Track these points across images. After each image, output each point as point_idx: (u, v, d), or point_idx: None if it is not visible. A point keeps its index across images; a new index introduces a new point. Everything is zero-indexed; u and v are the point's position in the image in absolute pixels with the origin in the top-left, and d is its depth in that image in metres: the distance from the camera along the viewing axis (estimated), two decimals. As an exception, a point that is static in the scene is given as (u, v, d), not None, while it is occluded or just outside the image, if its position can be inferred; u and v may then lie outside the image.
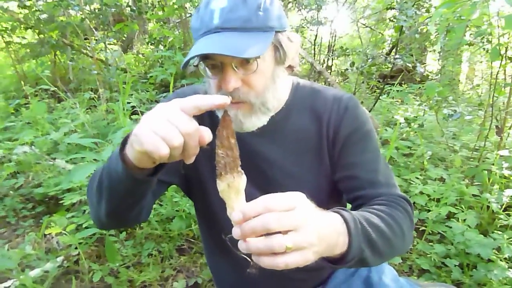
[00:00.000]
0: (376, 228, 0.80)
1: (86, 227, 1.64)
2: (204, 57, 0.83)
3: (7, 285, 1.37)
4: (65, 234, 1.56)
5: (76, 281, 1.44)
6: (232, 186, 0.64)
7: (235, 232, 0.62)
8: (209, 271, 1.59)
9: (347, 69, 4.14)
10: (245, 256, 0.66)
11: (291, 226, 0.61)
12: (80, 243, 1.58)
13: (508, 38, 2.62)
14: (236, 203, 0.65)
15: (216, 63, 0.83)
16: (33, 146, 2.15)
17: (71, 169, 1.50)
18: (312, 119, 1.01)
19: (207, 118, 0.99)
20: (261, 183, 0.99)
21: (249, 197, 0.99)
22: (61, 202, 1.81)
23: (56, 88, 2.80)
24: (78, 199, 1.78)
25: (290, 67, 0.97)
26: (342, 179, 1.02)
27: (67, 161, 1.99)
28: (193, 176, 1.04)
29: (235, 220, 0.61)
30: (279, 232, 0.61)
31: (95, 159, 1.36)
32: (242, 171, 0.66)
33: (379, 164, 1.05)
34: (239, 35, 0.80)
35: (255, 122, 0.91)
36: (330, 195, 1.05)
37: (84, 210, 1.76)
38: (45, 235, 1.73)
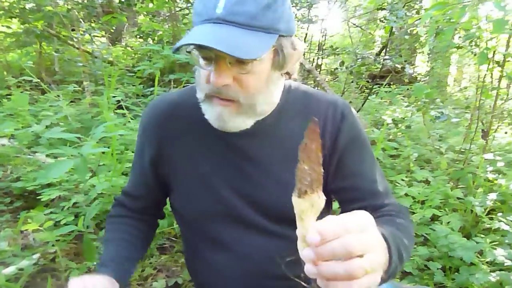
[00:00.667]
0: (402, 243, 0.79)
1: (65, 224, 1.60)
2: (199, 46, 0.79)
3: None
4: (42, 230, 1.52)
5: (52, 280, 1.40)
6: (315, 205, 0.58)
7: (307, 254, 0.57)
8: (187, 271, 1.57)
9: (336, 68, 4.13)
10: (299, 281, 0.61)
11: (369, 249, 0.59)
12: (57, 240, 1.54)
13: (496, 42, 2.64)
14: (311, 223, 0.58)
15: (210, 55, 0.79)
16: (11, 139, 2.09)
17: (48, 165, 1.45)
18: (305, 125, 0.99)
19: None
20: (245, 186, 0.97)
21: (230, 202, 0.97)
22: (39, 197, 1.76)
23: (39, 80, 2.73)
24: (57, 194, 1.73)
25: (288, 74, 0.94)
26: (341, 190, 1.00)
27: (47, 155, 1.94)
28: (168, 172, 1.03)
29: (311, 241, 0.56)
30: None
31: (73, 155, 1.32)
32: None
33: (377, 173, 1.05)
34: (241, 32, 0.76)
35: (240, 123, 0.88)
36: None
37: (63, 207, 1.71)
38: (21, 231, 1.68)
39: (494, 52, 2.49)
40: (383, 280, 0.71)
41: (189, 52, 0.87)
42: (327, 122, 0.97)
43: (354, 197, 1.01)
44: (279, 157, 0.98)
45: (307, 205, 0.57)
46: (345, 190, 1.00)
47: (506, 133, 4.13)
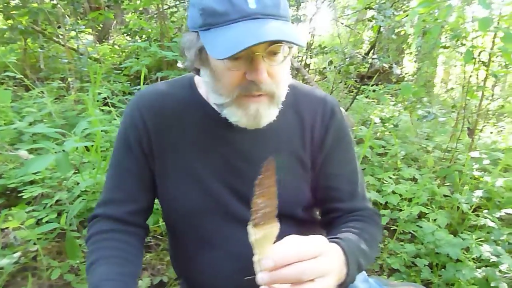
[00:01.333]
0: (364, 254, 0.84)
1: (47, 222, 1.56)
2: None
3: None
4: (24, 228, 1.48)
5: (33, 279, 1.37)
6: (268, 236, 0.64)
7: (263, 278, 0.62)
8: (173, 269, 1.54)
9: (325, 67, 4.14)
10: None
11: (320, 274, 0.65)
12: (39, 239, 1.50)
13: (482, 43, 2.66)
14: (267, 249, 0.64)
15: (245, 54, 0.76)
16: (-7, 136, 2.04)
17: (29, 160, 1.42)
18: (295, 120, 0.98)
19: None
20: (236, 182, 0.96)
21: (220, 197, 0.95)
22: (21, 195, 1.72)
23: (22, 76, 2.67)
24: (40, 192, 1.70)
25: None
26: (322, 188, 1.00)
27: (30, 152, 1.90)
28: (156, 167, 0.98)
29: (265, 267, 0.62)
30: None
31: (56, 151, 1.28)
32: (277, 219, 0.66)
33: (358, 175, 1.07)
34: (283, 23, 0.76)
35: (272, 115, 0.87)
36: (308, 201, 1.03)
37: (46, 204, 1.67)
38: (2, 229, 1.64)
39: (480, 52, 2.51)
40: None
41: (201, 53, 0.82)
42: (316, 119, 0.97)
43: (334, 197, 1.02)
44: (270, 152, 0.96)
45: (261, 234, 0.64)
46: (326, 189, 1.01)
47: (491, 133, 4.20)
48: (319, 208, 1.09)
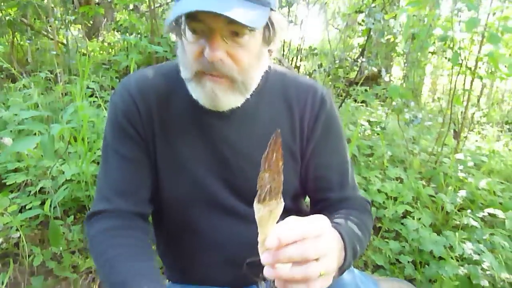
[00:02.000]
0: (358, 239, 0.84)
1: (30, 209, 1.54)
2: (192, 18, 0.75)
3: None
4: (6, 214, 1.45)
5: (14, 265, 1.34)
6: (273, 212, 0.62)
7: (266, 258, 0.61)
8: (159, 261, 1.53)
9: (314, 70, 4.17)
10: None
11: (324, 253, 0.63)
12: (22, 226, 1.48)
13: (470, 50, 2.72)
14: (270, 229, 0.63)
15: (203, 28, 0.75)
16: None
17: (12, 141, 1.39)
18: (284, 109, 0.96)
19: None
20: (223, 171, 0.94)
21: (207, 186, 0.94)
22: (5, 181, 1.70)
23: (9, 66, 2.64)
24: (24, 179, 1.67)
25: (269, 51, 0.91)
26: (312, 178, 1.00)
27: (14, 140, 1.87)
28: (146, 155, 0.95)
29: (269, 246, 0.60)
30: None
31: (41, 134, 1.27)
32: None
33: (348, 165, 1.06)
34: (239, 2, 0.73)
35: (232, 100, 0.85)
36: (296, 191, 1.03)
37: (30, 192, 1.64)
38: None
39: (466, 57, 2.57)
40: (335, 277, 0.73)
41: (176, 24, 0.81)
42: (306, 108, 0.96)
43: (324, 187, 1.01)
44: (258, 141, 0.95)
45: (266, 211, 0.61)
46: (316, 179, 1.00)
47: (476, 141, 4.27)
48: (309, 198, 1.08)
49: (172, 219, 1.02)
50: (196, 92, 0.84)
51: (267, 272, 0.61)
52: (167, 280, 1.18)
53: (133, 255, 0.83)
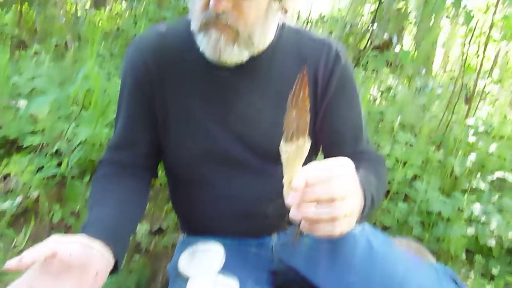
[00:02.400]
0: (376, 188, 0.83)
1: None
2: None
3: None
4: (25, 174, 1.50)
5: (35, 221, 1.40)
6: (300, 151, 0.61)
7: (293, 199, 0.60)
8: (174, 216, 1.58)
9: (325, 38, 4.10)
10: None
11: (349, 194, 0.63)
12: (40, 185, 1.53)
13: (483, 13, 2.66)
14: (297, 169, 0.62)
15: None
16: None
17: (30, 100, 1.42)
18: (298, 65, 0.96)
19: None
20: (236, 124, 0.96)
21: (220, 140, 0.96)
22: (21, 145, 1.74)
23: (19, 34, 2.64)
24: (40, 141, 1.71)
25: (283, 9, 0.91)
26: (327, 133, 1.01)
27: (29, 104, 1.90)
28: (158, 110, 0.98)
29: (296, 186, 0.60)
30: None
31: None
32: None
33: (362, 119, 1.06)
34: None
35: (236, 53, 0.86)
36: (311, 147, 1.05)
37: (46, 153, 1.69)
38: (4, 177, 1.66)
39: (478, 21, 2.52)
40: (356, 223, 0.75)
41: None
42: (320, 64, 0.96)
43: (337, 141, 1.03)
44: (271, 96, 0.97)
45: (293, 149, 0.60)
46: (330, 134, 1.01)
47: (488, 110, 4.23)
48: (324, 154, 1.09)
49: (185, 173, 1.05)
50: (203, 43, 0.86)
51: (293, 213, 0.61)
52: (182, 233, 1.23)
53: (110, 200, 0.90)
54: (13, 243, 1.29)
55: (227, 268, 0.99)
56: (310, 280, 1.10)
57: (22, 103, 1.76)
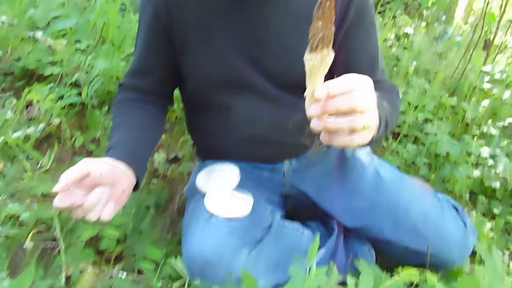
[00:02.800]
0: (390, 113, 0.87)
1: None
2: None
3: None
4: (47, 102, 1.56)
5: (58, 145, 1.47)
6: (324, 62, 0.62)
7: (315, 109, 0.63)
8: (189, 147, 1.64)
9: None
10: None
11: (369, 107, 0.65)
12: (61, 113, 1.58)
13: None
14: (320, 80, 0.64)
15: None
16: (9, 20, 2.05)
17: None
18: None
19: None
20: (255, 51, 0.98)
21: (238, 66, 0.98)
22: (41, 74, 1.78)
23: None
24: (59, 72, 1.75)
25: None
26: (343, 62, 1.01)
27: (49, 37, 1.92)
28: (177, 37, 1.01)
29: (318, 96, 0.62)
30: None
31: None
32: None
33: (378, 50, 1.07)
34: None
35: None
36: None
37: (66, 83, 1.73)
38: (26, 107, 1.72)
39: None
40: (369, 143, 0.78)
41: None
42: None
43: (353, 71, 1.04)
44: (291, 24, 0.98)
45: (318, 59, 0.61)
46: (347, 63, 1.01)
47: (506, 63, 4.12)
48: None
49: (203, 98, 1.09)
50: None
51: (314, 124, 0.64)
52: (198, 160, 1.29)
53: (131, 125, 1.01)
54: (39, 164, 1.36)
55: (242, 187, 1.06)
56: (319, 205, 1.17)
57: (40, 34, 1.78)
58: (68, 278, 0.87)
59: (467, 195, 1.81)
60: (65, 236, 0.94)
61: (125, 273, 0.88)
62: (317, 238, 0.82)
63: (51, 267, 0.89)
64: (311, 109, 0.64)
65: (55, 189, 0.72)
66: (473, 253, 1.13)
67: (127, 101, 1.08)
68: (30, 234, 0.95)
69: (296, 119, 0.97)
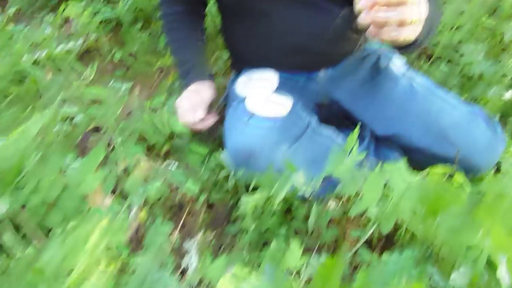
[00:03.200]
0: (436, 14, 0.85)
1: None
2: None
3: (35, 55, 1.45)
4: (83, 17, 1.59)
5: (99, 58, 1.53)
6: None
7: (364, 2, 0.65)
8: (222, 64, 1.67)
9: None
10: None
11: (418, 20, 0.67)
12: (98, 27, 1.62)
13: None
14: None
15: None
16: None
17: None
18: None
19: None
20: None
21: None
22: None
23: None
24: (92, -13, 1.76)
25: None
26: None
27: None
28: None
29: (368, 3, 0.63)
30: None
31: None
32: None
33: None
34: None
35: None
36: None
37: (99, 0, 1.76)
38: (64, 23, 1.76)
39: None
40: (414, 43, 0.78)
41: None
42: None
43: None
44: None
45: None
46: None
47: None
48: None
49: (242, 6, 1.10)
50: None
51: (363, 18, 0.66)
52: (234, 72, 1.32)
53: (189, 39, 1.19)
54: (82, 76, 1.44)
55: (279, 91, 1.10)
56: (352, 113, 1.21)
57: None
58: (124, 170, 0.96)
59: (497, 116, 1.80)
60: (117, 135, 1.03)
61: (176, 163, 0.96)
62: (356, 130, 0.86)
63: (108, 160, 0.99)
64: (361, 2, 0.66)
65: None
66: (498, 170, 1.16)
67: (174, 14, 1.19)
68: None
69: (337, 25, 0.98)
